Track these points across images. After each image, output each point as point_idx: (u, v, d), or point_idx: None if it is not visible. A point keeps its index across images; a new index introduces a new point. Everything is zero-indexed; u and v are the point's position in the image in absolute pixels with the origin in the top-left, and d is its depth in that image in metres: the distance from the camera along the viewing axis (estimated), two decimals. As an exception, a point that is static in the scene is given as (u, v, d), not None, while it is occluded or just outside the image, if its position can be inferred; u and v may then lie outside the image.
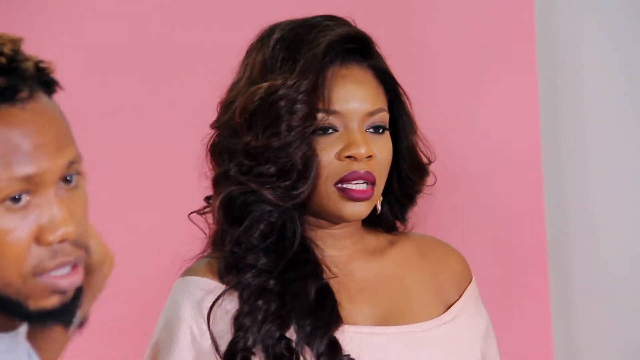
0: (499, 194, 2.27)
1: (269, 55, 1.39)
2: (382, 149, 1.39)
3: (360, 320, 1.40)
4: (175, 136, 2.16)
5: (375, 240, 1.48)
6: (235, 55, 1.45)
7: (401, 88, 1.45)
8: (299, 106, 1.35)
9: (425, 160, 1.48)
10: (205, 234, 1.45)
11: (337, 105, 1.37)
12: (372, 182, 1.37)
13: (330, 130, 1.37)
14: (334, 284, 1.40)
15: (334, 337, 1.35)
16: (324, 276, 1.40)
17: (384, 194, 1.45)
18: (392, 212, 1.48)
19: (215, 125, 1.41)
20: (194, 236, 1.46)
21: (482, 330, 1.48)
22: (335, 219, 1.40)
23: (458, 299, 1.48)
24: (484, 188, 2.27)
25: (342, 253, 1.44)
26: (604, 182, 2.34)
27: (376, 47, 1.44)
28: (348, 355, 1.34)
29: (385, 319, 1.42)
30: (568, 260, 2.34)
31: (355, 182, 1.36)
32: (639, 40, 2.34)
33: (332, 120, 1.37)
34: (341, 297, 1.40)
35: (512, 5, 2.29)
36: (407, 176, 1.45)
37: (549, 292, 2.31)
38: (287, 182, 1.35)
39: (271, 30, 1.41)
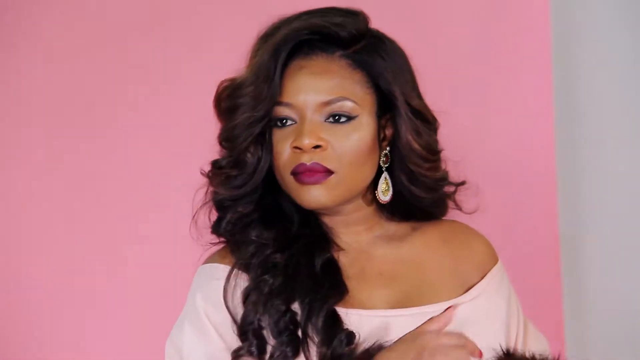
0: (512, 192, 2.28)
1: (251, 50, 1.43)
2: (340, 137, 1.38)
3: (377, 304, 1.41)
4: (173, 138, 2.18)
5: (397, 226, 1.49)
6: (235, 58, 1.47)
7: (387, 77, 1.42)
8: (249, 98, 1.37)
9: (426, 152, 1.45)
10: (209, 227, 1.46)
11: (289, 97, 1.38)
12: (321, 172, 1.38)
13: (288, 122, 1.39)
14: (352, 269, 1.41)
15: (333, 311, 1.36)
16: (333, 251, 1.41)
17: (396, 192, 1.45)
18: (416, 208, 1.47)
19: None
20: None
21: (504, 313, 1.48)
22: (302, 206, 1.41)
23: (480, 282, 1.49)
24: (498, 185, 2.27)
25: (360, 238, 1.45)
26: (618, 179, 2.35)
27: (365, 38, 1.42)
28: (347, 329, 1.35)
29: (402, 302, 1.42)
30: (580, 257, 2.34)
31: (304, 172, 1.38)
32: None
33: (287, 112, 1.38)
34: (359, 282, 1.41)
35: (528, 4, 2.29)
36: (406, 167, 1.44)
37: (561, 290, 2.31)
38: (235, 173, 1.39)
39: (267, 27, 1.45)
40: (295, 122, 1.39)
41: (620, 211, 2.31)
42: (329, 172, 1.38)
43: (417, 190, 1.46)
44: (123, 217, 2.21)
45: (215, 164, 1.41)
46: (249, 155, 1.39)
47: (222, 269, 1.43)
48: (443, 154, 1.51)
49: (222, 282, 1.41)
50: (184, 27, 2.21)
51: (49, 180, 2.24)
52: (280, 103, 1.38)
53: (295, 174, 1.38)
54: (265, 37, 1.42)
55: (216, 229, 1.43)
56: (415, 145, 1.44)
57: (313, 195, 1.38)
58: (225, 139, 1.40)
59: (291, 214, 1.42)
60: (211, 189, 1.43)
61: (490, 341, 1.42)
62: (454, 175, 1.54)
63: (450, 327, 1.40)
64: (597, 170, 2.35)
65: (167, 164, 2.20)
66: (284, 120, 1.39)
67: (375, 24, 1.49)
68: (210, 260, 1.46)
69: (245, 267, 1.41)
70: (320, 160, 1.37)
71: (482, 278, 1.50)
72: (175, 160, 2.18)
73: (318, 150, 1.37)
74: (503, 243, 2.25)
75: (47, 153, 2.23)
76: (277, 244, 1.40)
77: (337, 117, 1.39)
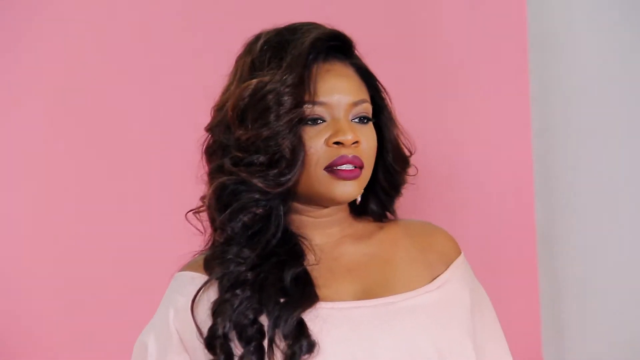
0: (490, 189, 2.29)
1: (257, 57, 1.45)
2: (367, 137, 1.44)
3: (345, 297, 1.44)
4: (172, 140, 2.18)
5: (364, 226, 1.53)
6: (225, 63, 1.51)
7: (381, 85, 1.51)
8: (286, 98, 1.39)
9: (406, 152, 1.53)
10: (201, 232, 1.49)
11: (323, 97, 1.43)
12: (359, 166, 1.43)
13: (319, 121, 1.42)
14: (318, 269, 1.45)
15: (301, 319, 1.39)
16: (305, 263, 1.45)
17: (371, 186, 1.50)
18: (379, 204, 1.54)
19: (210, 127, 1.47)
20: (195, 234, 1.51)
21: (467, 302, 1.52)
22: (326, 201, 1.45)
23: (444, 272, 1.52)
24: (476, 182, 2.29)
25: (330, 240, 1.49)
26: (592, 177, 2.34)
27: (355, 49, 1.49)
28: (309, 337, 1.38)
29: (368, 294, 1.46)
30: (556, 253, 2.36)
31: (344, 165, 1.42)
32: (627, 40, 2.33)
33: (319, 111, 1.42)
34: (326, 280, 1.45)
35: (505, 11, 2.31)
36: (391, 167, 1.50)
37: (538, 285, 2.32)
38: (276, 170, 1.40)
39: (257, 37, 1.48)
40: (325, 121, 1.43)
41: (593, 207, 2.31)
42: (361, 168, 1.43)
43: (389, 185, 1.52)
44: (125, 219, 2.22)
45: (249, 163, 1.42)
46: (293, 151, 1.41)
47: (197, 278, 1.46)
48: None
49: (193, 293, 1.45)
50: (179, 36, 2.23)
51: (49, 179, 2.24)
52: (314, 103, 1.42)
53: (331, 169, 1.42)
54: (279, 46, 1.45)
55: (222, 224, 1.44)
56: (401, 143, 1.52)
57: (347, 189, 1.43)
58: (264, 139, 1.40)
59: (275, 227, 1.44)
60: (223, 186, 1.44)
61: (455, 327, 1.47)
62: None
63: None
64: (572, 168, 2.35)
65: (165, 166, 2.21)
66: (316, 119, 1.43)
67: (357, 27, 1.56)
68: (186, 267, 1.50)
69: (217, 280, 1.43)
70: (357, 154, 1.43)
71: (447, 268, 1.53)
72: (172, 163, 2.19)
73: (354, 145, 1.42)
74: (480, 242, 2.24)
75: (47, 153, 2.24)
76: (251, 263, 1.43)
77: (362, 118, 1.45)
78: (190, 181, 1.54)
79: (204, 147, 1.48)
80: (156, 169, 2.23)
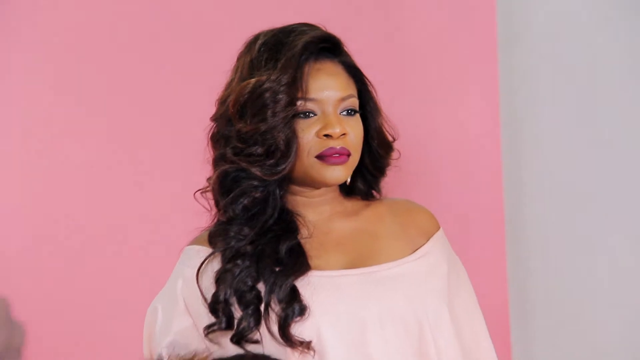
0: (462, 170, 2.35)
1: (255, 57, 1.53)
2: (353, 127, 1.53)
3: (332, 267, 1.53)
4: (182, 130, 2.21)
5: (353, 205, 1.61)
6: (228, 61, 1.59)
7: (367, 79, 1.59)
8: (281, 96, 1.48)
9: (390, 138, 1.61)
10: (207, 209, 1.57)
11: (314, 94, 1.51)
12: (346, 155, 1.51)
13: (311, 114, 1.51)
14: (311, 242, 1.53)
15: (294, 285, 1.47)
16: (298, 237, 1.53)
17: (358, 168, 1.58)
18: (366, 185, 1.61)
19: (214, 118, 1.56)
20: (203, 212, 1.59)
21: (445, 271, 1.58)
22: (319, 184, 1.53)
23: (425, 244, 1.59)
24: (449, 165, 2.34)
25: (322, 217, 1.57)
26: (556, 164, 2.40)
27: (344, 47, 1.58)
28: (301, 301, 1.46)
29: (354, 264, 1.54)
30: (523, 233, 2.43)
31: (333, 155, 1.51)
32: (592, 33, 2.37)
33: (311, 106, 1.51)
34: (317, 252, 1.53)
35: (476, 9, 2.37)
36: (376, 152, 1.58)
37: (506, 262, 2.40)
38: (272, 160, 1.48)
39: (255, 37, 1.56)
40: (316, 115, 1.51)
41: (557, 191, 2.37)
42: (349, 155, 1.52)
43: (375, 167, 1.60)
44: (138, 204, 2.24)
45: (248, 154, 1.50)
46: (287, 144, 1.49)
47: (202, 251, 1.54)
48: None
49: (199, 264, 1.53)
50: (187, 38, 2.26)
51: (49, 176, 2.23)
52: (306, 99, 1.50)
53: (321, 156, 1.50)
54: (275, 48, 1.52)
55: (225, 206, 1.52)
56: (384, 130, 1.60)
57: (336, 174, 1.51)
58: (262, 132, 1.48)
59: (272, 209, 1.52)
60: (228, 173, 1.52)
61: (432, 293, 1.54)
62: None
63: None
64: (538, 155, 2.40)
65: (176, 153, 2.24)
66: (308, 113, 1.51)
67: (344, 28, 1.65)
68: (194, 242, 1.58)
69: (220, 252, 1.52)
70: (345, 145, 1.51)
71: (427, 241, 1.60)
72: (184, 149, 2.21)
73: (342, 137, 1.51)
74: (452, 220, 2.25)
75: (48, 152, 2.24)
76: (250, 240, 1.50)
77: (349, 111, 1.53)
78: (198, 165, 1.62)
79: (209, 134, 1.56)
80: (166, 158, 2.25)
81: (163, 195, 2.25)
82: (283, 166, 1.49)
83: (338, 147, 1.51)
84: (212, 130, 1.57)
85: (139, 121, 2.24)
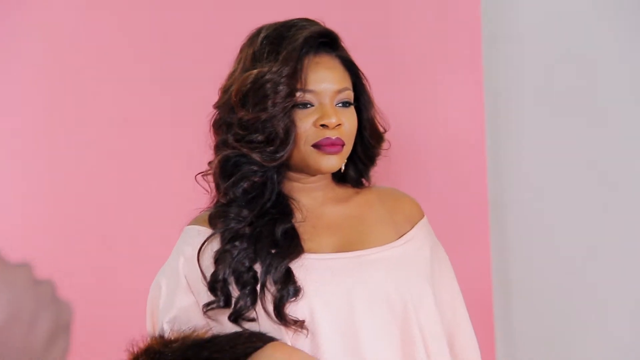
0: (448, 162, 2.36)
1: (257, 49, 1.57)
2: (348, 118, 1.57)
3: (323, 250, 1.57)
4: (186, 117, 2.21)
5: (344, 191, 1.67)
6: (231, 52, 1.63)
7: (362, 73, 1.63)
8: (281, 87, 1.52)
9: (381, 129, 1.66)
10: (207, 192, 1.62)
11: (312, 86, 1.55)
12: (341, 145, 1.55)
13: (308, 105, 1.55)
14: (304, 226, 1.58)
15: (288, 267, 1.51)
16: (293, 220, 1.57)
17: (351, 157, 1.63)
18: (357, 172, 1.66)
19: (217, 105, 1.60)
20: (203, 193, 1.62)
21: (428, 256, 1.63)
22: (314, 171, 1.57)
23: (410, 230, 1.64)
24: (437, 156, 2.36)
25: (315, 202, 1.62)
26: (536, 151, 2.40)
27: (341, 42, 1.62)
28: (296, 283, 1.50)
29: (345, 247, 1.58)
30: (506, 218, 2.44)
31: (328, 144, 1.54)
32: (570, 37, 2.36)
33: (309, 97, 1.55)
34: (310, 235, 1.57)
35: (461, 9, 2.35)
36: (368, 142, 1.63)
37: (489, 244, 2.41)
38: (272, 147, 1.52)
39: (258, 30, 1.60)
40: (313, 105, 1.54)
41: (537, 176, 2.38)
42: (343, 145, 1.55)
43: (366, 156, 1.65)
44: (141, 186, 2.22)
45: (249, 141, 1.53)
46: (286, 132, 1.52)
47: (202, 232, 1.58)
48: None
49: (199, 244, 1.57)
50: (191, 32, 2.23)
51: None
52: (305, 90, 1.54)
53: (317, 145, 1.54)
54: (277, 41, 1.56)
55: (226, 189, 1.56)
56: (376, 122, 1.65)
57: (330, 162, 1.55)
58: (262, 121, 1.52)
59: (270, 192, 1.56)
60: (227, 158, 1.55)
61: (416, 276, 1.59)
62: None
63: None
64: (519, 146, 2.41)
65: (180, 139, 2.23)
66: (306, 104, 1.55)
67: (341, 25, 1.67)
68: (193, 222, 1.61)
69: (219, 233, 1.55)
70: (340, 135, 1.55)
71: (412, 227, 1.65)
72: (186, 136, 2.19)
73: (338, 127, 1.54)
74: (437, 208, 2.23)
75: (47, 151, 2.20)
76: (248, 222, 1.54)
77: (344, 103, 1.57)
78: (199, 149, 1.65)
79: (212, 121, 1.61)
80: (168, 148, 2.26)
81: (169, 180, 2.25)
82: (282, 153, 1.53)
83: (333, 138, 1.55)
84: (214, 117, 1.61)
85: (143, 115, 2.25)
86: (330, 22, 1.65)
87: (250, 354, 1.43)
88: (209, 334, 1.48)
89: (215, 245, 1.56)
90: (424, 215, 1.69)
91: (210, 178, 1.62)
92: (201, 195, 1.65)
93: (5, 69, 2.18)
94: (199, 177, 1.64)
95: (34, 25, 2.18)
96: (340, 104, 1.58)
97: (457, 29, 2.37)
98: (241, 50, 1.62)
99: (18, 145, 2.18)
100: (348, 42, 1.65)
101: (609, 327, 2.34)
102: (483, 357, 1.67)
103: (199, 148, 1.67)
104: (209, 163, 1.62)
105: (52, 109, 2.19)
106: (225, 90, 1.60)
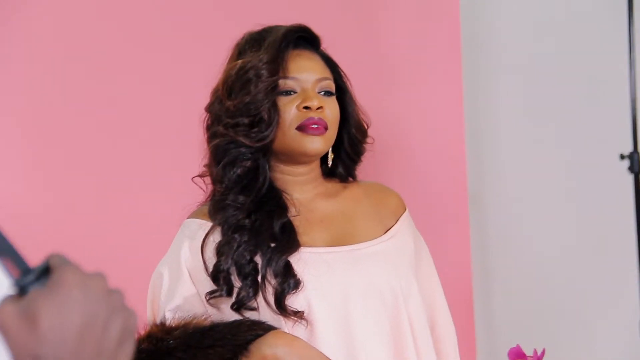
0: (429, 155, 2.38)
1: (241, 45, 1.65)
2: (330, 106, 1.62)
3: (317, 243, 1.61)
4: (182, 120, 2.19)
5: (333, 186, 1.71)
6: (227, 53, 1.68)
7: (343, 72, 1.69)
8: (263, 72, 1.58)
9: (365, 126, 1.70)
10: (204, 191, 1.67)
11: (294, 74, 1.61)
12: (324, 127, 1.60)
13: (291, 92, 1.61)
14: (298, 220, 1.61)
15: (288, 261, 1.55)
16: (288, 214, 1.61)
17: (339, 154, 1.68)
18: (345, 168, 1.71)
19: (208, 106, 1.65)
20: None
21: (412, 248, 1.67)
22: (300, 155, 1.61)
23: (395, 224, 1.69)
24: (418, 150, 2.38)
25: (306, 195, 1.66)
26: (511, 145, 2.49)
27: (321, 43, 1.68)
28: (295, 276, 1.54)
29: (336, 241, 1.62)
30: (484, 208, 2.50)
31: (312, 125, 1.59)
32: (545, 39, 2.44)
33: (291, 84, 1.60)
34: (304, 228, 1.61)
35: (442, 10, 2.39)
36: (354, 137, 1.68)
37: (469, 234, 2.43)
38: (257, 129, 1.57)
39: (243, 37, 1.68)
40: (296, 92, 1.60)
41: (512, 168, 2.46)
42: (326, 128, 1.60)
43: (353, 151, 1.69)
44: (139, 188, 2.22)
45: (235, 125, 1.58)
46: (269, 114, 1.58)
47: (204, 224, 1.61)
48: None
49: (202, 236, 1.59)
50: (184, 37, 2.24)
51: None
52: (287, 78, 1.60)
53: (301, 128, 1.58)
54: (259, 38, 1.63)
55: (220, 177, 1.60)
56: (360, 117, 1.69)
57: (315, 145, 1.60)
58: (246, 104, 1.57)
59: (263, 179, 1.60)
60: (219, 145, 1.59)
61: (404, 269, 1.63)
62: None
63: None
64: (496, 141, 2.49)
65: (176, 141, 2.23)
66: (289, 91, 1.60)
67: (329, 29, 1.71)
68: (193, 215, 1.64)
69: (220, 225, 1.59)
70: (322, 117, 1.59)
71: (397, 221, 1.69)
72: (182, 136, 2.18)
73: (319, 110, 1.59)
74: (423, 197, 2.31)
75: (48, 150, 2.18)
76: (246, 210, 1.57)
77: (326, 92, 1.62)
78: (195, 152, 1.67)
79: (205, 125, 1.65)
80: (166, 149, 2.24)
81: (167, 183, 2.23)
82: (266, 133, 1.57)
83: (316, 118, 1.59)
84: (206, 120, 1.66)
85: (137, 117, 2.23)
86: (316, 23, 1.69)
87: (251, 341, 1.46)
88: (208, 321, 1.51)
89: (216, 236, 1.59)
90: (406, 208, 1.73)
91: (208, 180, 1.67)
92: (199, 195, 1.68)
93: (5, 69, 2.16)
94: (197, 179, 1.69)
95: (33, 26, 2.17)
96: (322, 92, 1.63)
97: (437, 29, 2.38)
98: (229, 59, 1.69)
99: (18, 144, 2.17)
100: (331, 42, 1.69)
101: (584, 315, 2.42)
102: (464, 342, 1.71)
103: (197, 149, 1.69)
104: (205, 165, 1.67)
105: (50, 109, 2.19)
106: (215, 90, 1.66)
